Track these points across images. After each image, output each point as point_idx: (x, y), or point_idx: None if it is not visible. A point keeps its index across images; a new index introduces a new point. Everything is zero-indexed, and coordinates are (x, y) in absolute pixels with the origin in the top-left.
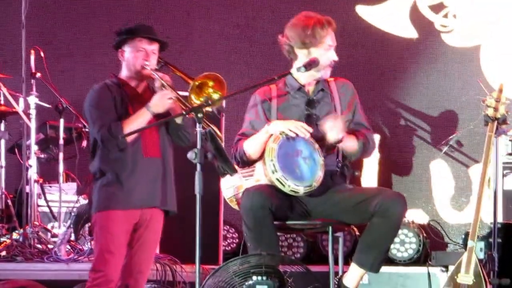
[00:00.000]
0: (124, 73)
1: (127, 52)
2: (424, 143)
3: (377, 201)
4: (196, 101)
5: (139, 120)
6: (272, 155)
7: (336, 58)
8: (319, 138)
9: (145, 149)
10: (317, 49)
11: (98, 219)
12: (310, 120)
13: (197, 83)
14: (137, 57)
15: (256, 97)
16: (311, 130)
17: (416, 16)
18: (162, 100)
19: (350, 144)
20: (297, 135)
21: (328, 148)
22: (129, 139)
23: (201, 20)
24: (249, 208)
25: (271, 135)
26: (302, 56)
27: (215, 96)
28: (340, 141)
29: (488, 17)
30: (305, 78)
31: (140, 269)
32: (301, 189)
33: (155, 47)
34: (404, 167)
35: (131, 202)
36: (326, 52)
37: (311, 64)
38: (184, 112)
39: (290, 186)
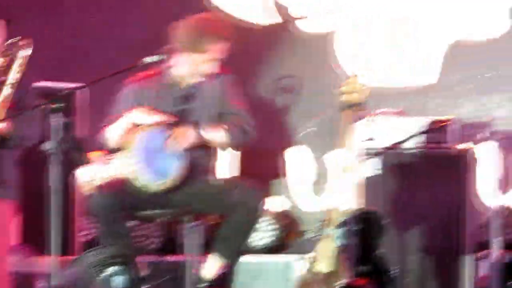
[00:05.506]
0: None
1: None
2: (281, 131)
3: (233, 194)
4: None
5: None
6: (131, 148)
7: None
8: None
9: None
10: None
11: None
12: (182, 115)
13: None
14: None
15: (128, 85)
16: (171, 120)
17: (271, 2)
18: None
19: (213, 138)
20: (160, 130)
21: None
22: None
23: None
24: (97, 209)
25: (134, 125)
26: None
27: None
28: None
29: (342, 3)
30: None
31: None
32: (154, 185)
33: None
34: (261, 156)
35: None
36: None
37: None
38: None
39: (144, 181)
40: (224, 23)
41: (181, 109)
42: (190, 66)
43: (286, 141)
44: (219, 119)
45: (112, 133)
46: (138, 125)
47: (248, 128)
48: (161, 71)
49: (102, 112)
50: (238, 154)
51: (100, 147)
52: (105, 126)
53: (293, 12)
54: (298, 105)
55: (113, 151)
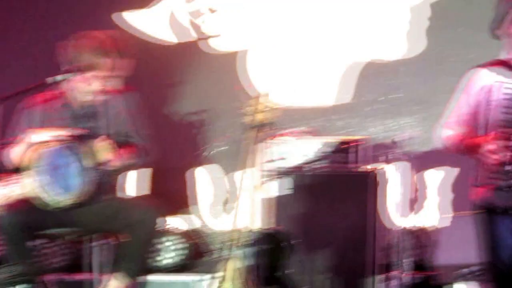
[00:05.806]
0: None
1: None
2: (189, 150)
3: (131, 213)
4: None
5: None
6: (35, 164)
7: None
8: (89, 151)
9: None
10: None
11: None
12: (87, 133)
13: None
14: None
15: (28, 106)
16: (73, 136)
17: (175, 22)
18: None
19: (117, 161)
20: (64, 147)
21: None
22: None
23: None
24: (2, 228)
25: (36, 144)
26: None
27: None
28: (109, 161)
29: (250, 23)
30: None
31: None
32: (60, 201)
33: None
34: (170, 174)
35: None
36: None
37: None
38: None
39: (50, 197)
40: (118, 39)
41: (86, 127)
42: (85, 84)
43: (196, 159)
44: (119, 138)
45: (14, 154)
46: (40, 144)
47: (144, 153)
48: (62, 90)
49: (4, 131)
50: (147, 172)
51: (3, 168)
52: (6, 146)
53: (205, 30)
54: (208, 124)
55: (16, 171)
